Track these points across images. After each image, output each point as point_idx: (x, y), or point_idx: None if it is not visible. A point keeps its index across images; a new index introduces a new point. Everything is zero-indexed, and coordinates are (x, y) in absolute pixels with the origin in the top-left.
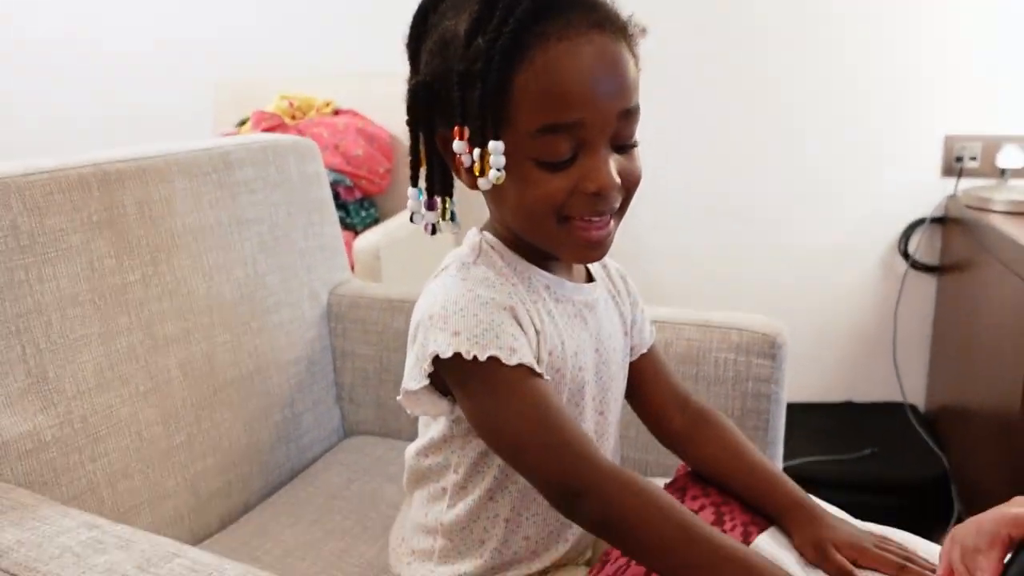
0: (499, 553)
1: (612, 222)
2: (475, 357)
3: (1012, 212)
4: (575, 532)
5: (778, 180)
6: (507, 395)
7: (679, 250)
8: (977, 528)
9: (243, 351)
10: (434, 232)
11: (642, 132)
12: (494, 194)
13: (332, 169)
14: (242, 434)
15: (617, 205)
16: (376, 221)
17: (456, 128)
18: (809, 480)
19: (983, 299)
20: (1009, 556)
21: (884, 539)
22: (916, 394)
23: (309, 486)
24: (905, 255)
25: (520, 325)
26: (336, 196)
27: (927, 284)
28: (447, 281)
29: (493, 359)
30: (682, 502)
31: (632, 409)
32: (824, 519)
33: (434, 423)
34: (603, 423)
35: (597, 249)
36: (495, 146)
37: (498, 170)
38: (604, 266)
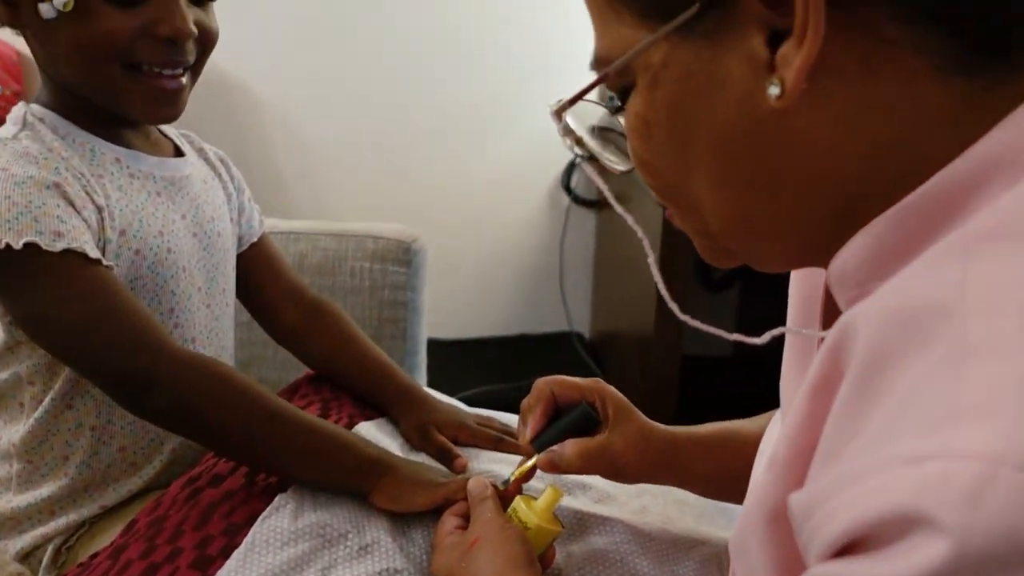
0: (88, 468)
1: (186, 78)
2: (8, 245)
3: None
4: (177, 440)
5: (444, 117)
6: (54, 286)
7: (348, 173)
8: (534, 388)
9: None
10: None
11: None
12: (46, 38)
13: None
14: None
15: (192, 59)
16: None
17: None
18: (485, 406)
19: (631, 230)
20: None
21: (488, 418)
22: (582, 323)
23: None
24: (568, 190)
25: (72, 205)
26: None
27: (588, 218)
28: None
29: (31, 246)
30: (290, 401)
31: (243, 305)
32: (427, 403)
33: None
34: (212, 318)
35: (170, 104)
36: None
37: None
38: (201, 149)
